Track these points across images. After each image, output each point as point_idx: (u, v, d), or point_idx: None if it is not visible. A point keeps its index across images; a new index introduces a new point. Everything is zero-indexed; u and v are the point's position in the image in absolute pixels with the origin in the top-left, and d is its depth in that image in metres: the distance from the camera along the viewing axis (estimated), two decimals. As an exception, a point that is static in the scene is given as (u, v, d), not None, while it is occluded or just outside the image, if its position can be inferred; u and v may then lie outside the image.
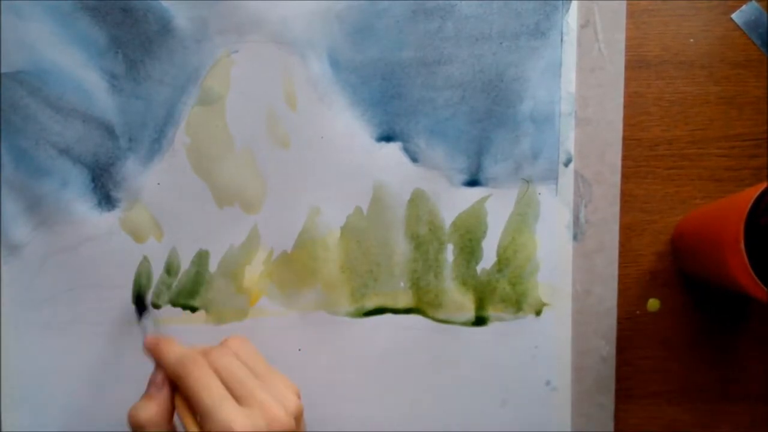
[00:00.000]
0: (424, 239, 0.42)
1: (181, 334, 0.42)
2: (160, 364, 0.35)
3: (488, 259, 0.42)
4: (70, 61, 0.41)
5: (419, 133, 0.41)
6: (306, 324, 0.42)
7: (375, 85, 0.41)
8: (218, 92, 0.41)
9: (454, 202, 0.42)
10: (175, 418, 0.35)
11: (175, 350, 0.35)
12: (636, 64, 0.42)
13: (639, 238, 0.42)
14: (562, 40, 0.41)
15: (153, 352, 0.36)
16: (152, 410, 0.34)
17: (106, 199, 0.41)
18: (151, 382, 0.35)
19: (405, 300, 0.42)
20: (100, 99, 0.41)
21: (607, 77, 0.42)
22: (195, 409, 0.32)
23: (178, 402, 0.34)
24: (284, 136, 0.41)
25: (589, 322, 0.42)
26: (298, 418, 0.34)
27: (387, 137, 0.41)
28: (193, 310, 0.42)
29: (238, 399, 0.33)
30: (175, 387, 0.35)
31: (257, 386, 0.33)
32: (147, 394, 0.35)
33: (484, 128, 0.41)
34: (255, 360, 0.36)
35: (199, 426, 0.33)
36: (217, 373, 0.33)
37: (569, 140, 0.42)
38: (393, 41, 0.41)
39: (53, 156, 0.41)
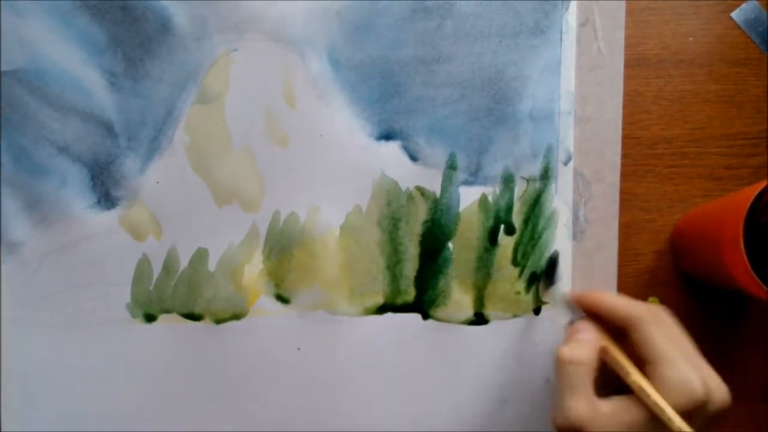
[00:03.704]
0: (424, 238, 0.42)
1: (179, 333, 0.42)
2: (603, 311, 0.35)
3: (488, 257, 0.42)
4: (70, 60, 0.41)
5: (418, 131, 0.41)
6: (305, 323, 0.42)
7: (374, 84, 0.41)
8: (217, 91, 0.41)
9: (453, 200, 0.42)
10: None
11: (620, 298, 0.35)
12: (635, 63, 0.42)
13: (638, 236, 0.42)
14: (561, 38, 0.41)
15: (596, 302, 0.35)
16: (585, 351, 0.34)
17: (105, 197, 0.41)
18: (576, 333, 0.35)
19: (404, 299, 0.42)
20: (99, 97, 0.41)
21: (607, 76, 0.42)
22: (647, 357, 0.32)
23: (613, 350, 0.34)
24: (283, 135, 0.41)
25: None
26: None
27: (386, 136, 0.41)
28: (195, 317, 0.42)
29: (686, 359, 0.32)
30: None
31: (701, 358, 0.33)
32: (574, 341, 0.35)
33: (484, 127, 0.41)
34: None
35: (641, 375, 0.32)
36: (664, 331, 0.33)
37: (569, 139, 0.42)
38: (392, 39, 0.41)
39: (52, 154, 0.41)
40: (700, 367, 0.32)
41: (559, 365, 0.34)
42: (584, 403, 0.32)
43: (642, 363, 0.33)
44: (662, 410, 0.31)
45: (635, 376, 0.32)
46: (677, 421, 0.30)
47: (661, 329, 0.33)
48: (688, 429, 0.30)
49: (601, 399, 0.33)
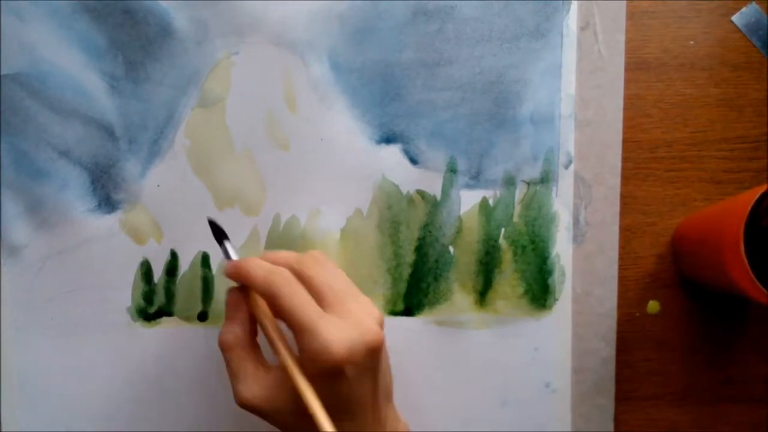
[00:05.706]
0: (425, 241, 0.42)
1: (180, 336, 0.42)
2: (247, 284, 0.34)
3: (489, 261, 0.42)
4: (70, 63, 0.41)
5: (419, 134, 0.41)
6: (306, 326, 0.42)
7: (375, 87, 0.41)
8: (218, 94, 0.41)
9: (454, 204, 0.42)
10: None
11: (261, 267, 0.33)
12: (636, 66, 0.42)
13: (639, 240, 0.42)
14: (562, 41, 0.41)
15: (237, 273, 0.34)
16: (236, 331, 0.34)
17: (106, 200, 0.41)
18: (229, 304, 0.35)
19: (405, 302, 0.42)
20: (100, 101, 0.41)
21: (607, 79, 0.42)
22: (290, 326, 0.32)
23: (265, 321, 0.34)
24: (284, 138, 0.41)
25: (589, 324, 0.42)
26: (382, 327, 0.33)
27: (387, 139, 0.41)
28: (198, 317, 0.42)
29: (329, 308, 0.32)
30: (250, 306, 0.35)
31: (348, 296, 0.33)
32: (227, 317, 0.35)
33: (485, 130, 0.41)
34: (338, 272, 0.35)
35: (287, 348, 0.33)
36: (308, 282, 0.33)
37: (569, 142, 0.42)
38: (393, 43, 0.41)
39: (53, 158, 0.41)
40: (348, 313, 0.32)
41: (220, 350, 0.34)
42: (249, 386, 0.33)
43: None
44: (306, 400, 0.31)
45: (283, 356, 0.32)
46: (319, 416, 0.31)
47: (297, 291, 0.32)
48: (328, 427, 0.30)
49: (268, 369, 0.33)
